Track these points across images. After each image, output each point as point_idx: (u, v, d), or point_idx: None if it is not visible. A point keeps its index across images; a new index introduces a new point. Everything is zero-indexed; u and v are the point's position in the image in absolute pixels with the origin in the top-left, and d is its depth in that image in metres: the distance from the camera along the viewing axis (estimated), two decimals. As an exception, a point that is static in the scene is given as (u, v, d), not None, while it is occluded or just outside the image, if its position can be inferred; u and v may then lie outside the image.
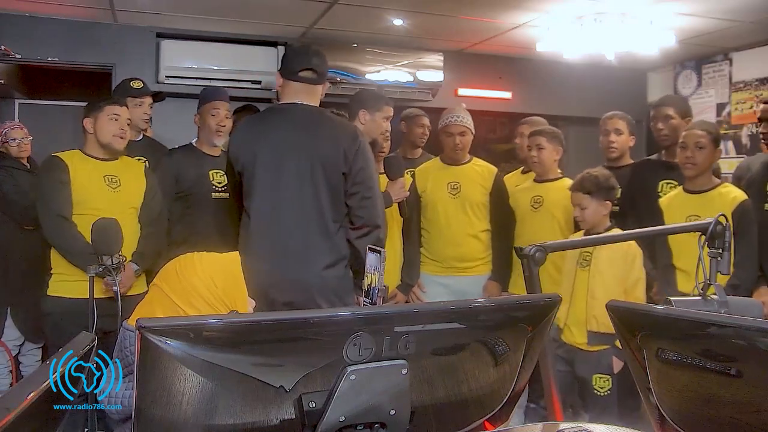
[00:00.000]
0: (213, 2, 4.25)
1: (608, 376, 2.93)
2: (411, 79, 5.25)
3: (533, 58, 5.23)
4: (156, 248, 3.02)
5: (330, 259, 2.48)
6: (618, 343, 2.85)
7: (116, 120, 2.93)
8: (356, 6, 4.22)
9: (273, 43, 4.96)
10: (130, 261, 2.87)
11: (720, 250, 1.67)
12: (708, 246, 1.69)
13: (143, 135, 3.54)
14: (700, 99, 5.45)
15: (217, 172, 3.27)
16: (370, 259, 1.85)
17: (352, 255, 2.54)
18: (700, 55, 5.37)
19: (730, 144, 5.15)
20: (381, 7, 4.28)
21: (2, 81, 4.99)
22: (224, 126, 3.34)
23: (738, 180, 3.28)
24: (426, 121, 3.99)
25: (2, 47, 4.31)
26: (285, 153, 2.50)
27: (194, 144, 3.44)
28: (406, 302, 3.41)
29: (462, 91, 5.55)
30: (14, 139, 3.79)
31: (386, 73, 5.17)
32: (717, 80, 5.33)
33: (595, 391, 2.94)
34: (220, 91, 3.51)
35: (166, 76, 4.70)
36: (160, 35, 4.78)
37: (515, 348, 1.12)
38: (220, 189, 3.27)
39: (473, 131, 3.58)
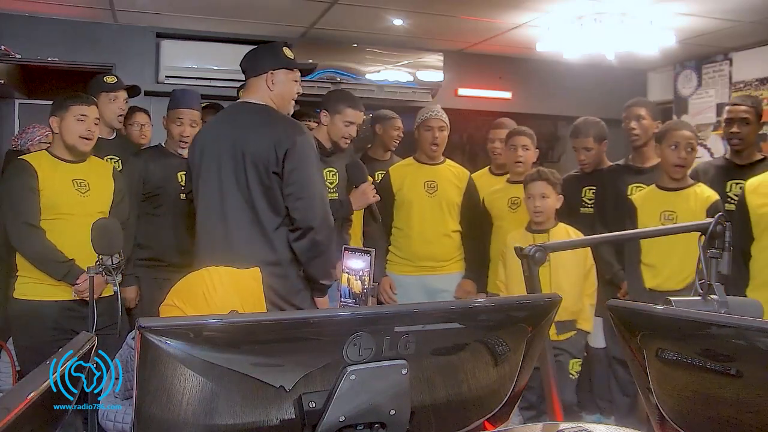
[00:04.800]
0: (213, 2, 4.25)
1: (579, 359, 3.17)
2: (411, 79, 5.25)
3: (533, 58, 5.23)
4: (125, 253, 2.94)
5: (270, 258, 2.43)
6: (578, 324, 3.11)
7: (83, 121, 2.79)
8: (356, 6, 4.22)
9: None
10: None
11: (720, 251, 1.67)
12: (708, 246, 1.69)
13: (116, 133, 3.46)
14: (700, 99, 5.45)
15: (185, 174, 3.23)
16: (347, 259, 1.83)
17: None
18: (700, 55, 5.37)
19: (730, 144, 5.14)
20: (381, 7, 4.28)
21: (2, 81, 4.98)
22: (187, 136, 3.24)
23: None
24: (401, 123, 3.95)
25: (2, 47, 4.30)
26: (223, 152, 2.50)
27: (163, 145, 3.43)
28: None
29: (462, 91, 5.55)
30: (49, 144, 3.89)
31: (386, 73, 5.17)
32: (717, 80, 5.32)
33: (570, 376, 3.13)
34: (186, 98, 3.38)
35: (166, 76, 4.71)
36: (160, 35, 4.78)
37: (515, 348, 1.12)
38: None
39: (449, 130, 3.61)
